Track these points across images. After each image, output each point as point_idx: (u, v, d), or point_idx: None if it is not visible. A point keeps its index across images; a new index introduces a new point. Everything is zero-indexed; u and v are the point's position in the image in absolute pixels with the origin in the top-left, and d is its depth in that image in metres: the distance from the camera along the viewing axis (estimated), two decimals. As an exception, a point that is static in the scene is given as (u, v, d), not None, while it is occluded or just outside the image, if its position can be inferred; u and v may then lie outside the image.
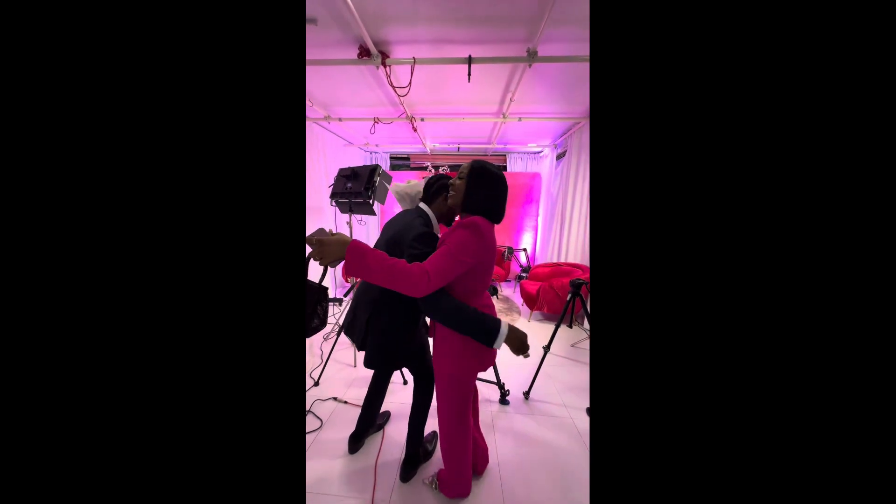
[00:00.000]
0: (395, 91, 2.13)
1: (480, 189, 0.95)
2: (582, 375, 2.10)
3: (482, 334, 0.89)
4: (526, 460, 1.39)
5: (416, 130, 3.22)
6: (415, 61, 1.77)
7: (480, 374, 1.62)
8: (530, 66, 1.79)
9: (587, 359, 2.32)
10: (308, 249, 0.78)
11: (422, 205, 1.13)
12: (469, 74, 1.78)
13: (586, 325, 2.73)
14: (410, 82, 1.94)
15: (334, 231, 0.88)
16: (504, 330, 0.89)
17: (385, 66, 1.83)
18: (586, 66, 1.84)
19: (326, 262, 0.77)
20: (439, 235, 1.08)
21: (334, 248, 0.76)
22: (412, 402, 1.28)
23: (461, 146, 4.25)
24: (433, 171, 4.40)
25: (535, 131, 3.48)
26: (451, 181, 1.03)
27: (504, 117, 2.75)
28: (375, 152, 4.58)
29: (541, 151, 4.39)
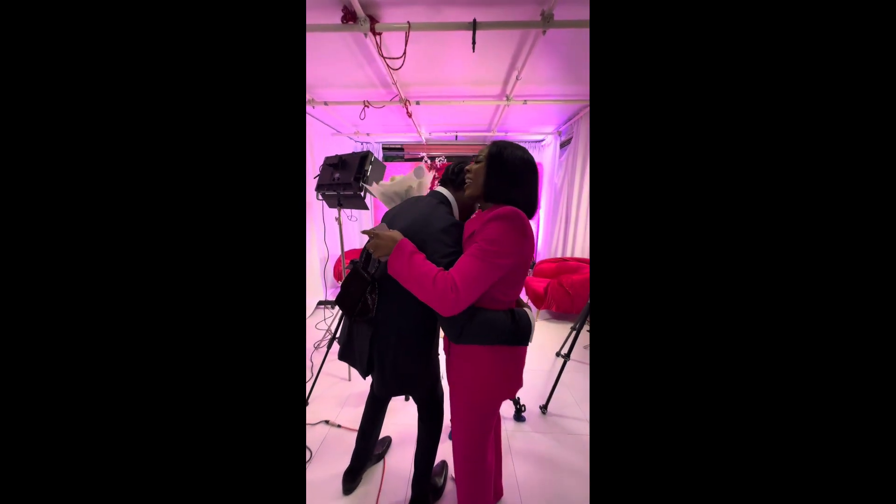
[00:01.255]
0: (387, 64, 1.86)
1: (508, 174, 0.75)
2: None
3: (518, 338, 0.77)
4: (550, 490, 1.19)
5: (410, 116, 2.95)
6: (409, 26, 1.51)
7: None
8: (544, 32, 1.54)
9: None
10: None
11: (441, 188, 0.90)
12: (474, 42, 1.52)
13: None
14: (405, 52, 1.67)
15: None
16: (532, 318, 0.80)
17: (374, 34, 1.57)
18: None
19: (379, 255, 0.76)
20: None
21: (386, 243, 0.75)
22: (418, 432, 1.07)
23: (459, 134, 3.98)
24: (429, 162, 4.14)
25: (539, 117, 3.24)
26: (467, 166, 0.82)
27: (508, 100, 2.50)
28: (367, 142, 4.29)
29: (543, 140, 4.15)
